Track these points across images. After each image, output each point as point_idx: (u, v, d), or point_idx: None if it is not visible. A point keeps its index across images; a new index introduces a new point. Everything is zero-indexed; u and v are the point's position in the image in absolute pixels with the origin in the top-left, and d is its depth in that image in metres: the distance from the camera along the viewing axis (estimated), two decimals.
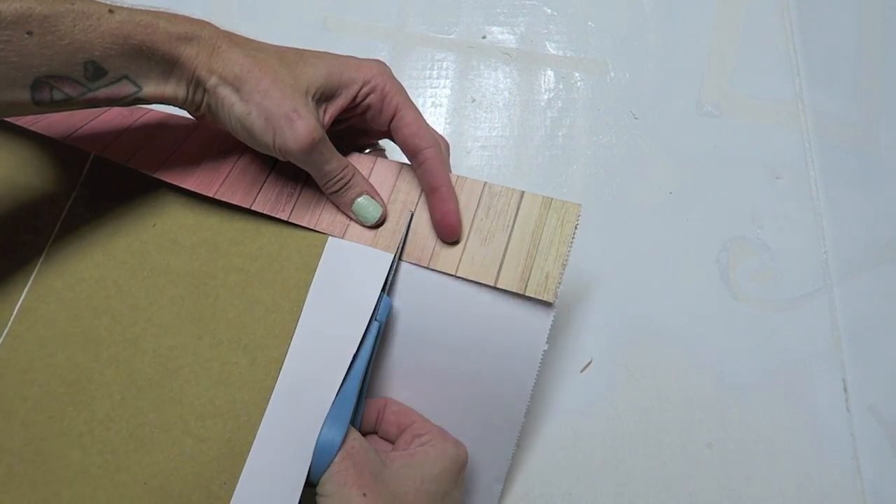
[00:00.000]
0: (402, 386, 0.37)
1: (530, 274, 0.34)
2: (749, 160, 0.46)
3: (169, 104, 0.31)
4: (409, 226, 0.35)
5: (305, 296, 0.34)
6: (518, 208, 0.35)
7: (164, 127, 0.38)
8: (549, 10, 0.48)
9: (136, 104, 0.31)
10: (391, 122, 0.34)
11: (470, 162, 0.45)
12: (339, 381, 0.32)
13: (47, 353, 0.35)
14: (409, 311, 0.36)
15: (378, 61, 0.34)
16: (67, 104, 0.29)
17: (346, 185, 0.33)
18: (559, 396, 0.41)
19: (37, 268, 0.36)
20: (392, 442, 0.35)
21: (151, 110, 0.39)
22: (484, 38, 0.47)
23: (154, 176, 0.36)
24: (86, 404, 0.34)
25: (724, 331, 0.43)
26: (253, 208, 0.35)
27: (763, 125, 0.46)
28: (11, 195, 0.38)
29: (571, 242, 0.34)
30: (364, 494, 0.29)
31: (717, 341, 0.43)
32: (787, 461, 0.41)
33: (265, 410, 0.33)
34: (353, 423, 0.33)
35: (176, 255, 0.36)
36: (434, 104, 0.46)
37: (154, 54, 0.29)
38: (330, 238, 0.35)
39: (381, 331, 0.33)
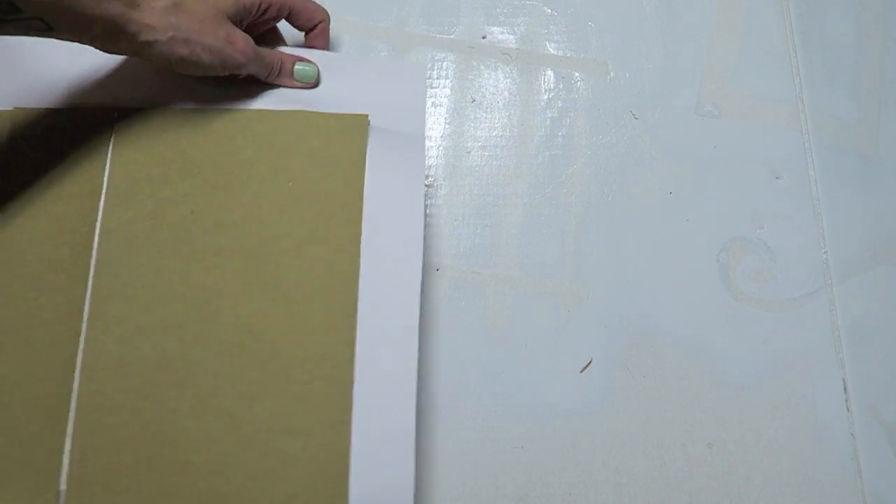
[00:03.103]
0: None
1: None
2: (749, 160, 0.46)
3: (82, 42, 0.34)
4: None
5: (360, 244, 0.38)
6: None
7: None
8: (549, 10, 0.48)
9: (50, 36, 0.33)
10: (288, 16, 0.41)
11: (470, 162, 0.45)
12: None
13: (132, 347, 0.36)
14: None
15: None
16: None
17: (282, 64, 0.40)
18: (559, 396, 0.42)
19: (90, 273, 0.37)
20: None
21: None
22: (484, 38, 0.47)
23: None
24: (187, 382, 0.36)
25: (724, 331, 0.43)
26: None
27: (763, 125, 0.46)
28: (35, 208, 0.39)
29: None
30: None
31: (717, 341, 0.43)
32: (787, 461, 0.41)
33: (356, 342, 0.36)
34: None
35: (223, 234, 0.38)
36: (434, 104, 0.46)
37: (75, 6, 0.31)
38: (366, 199, 0.39)
39: None
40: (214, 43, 0.35)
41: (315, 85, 0.40)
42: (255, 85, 0.40)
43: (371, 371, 0.36)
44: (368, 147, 0.39)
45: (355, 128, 0.40)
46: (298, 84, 0.40)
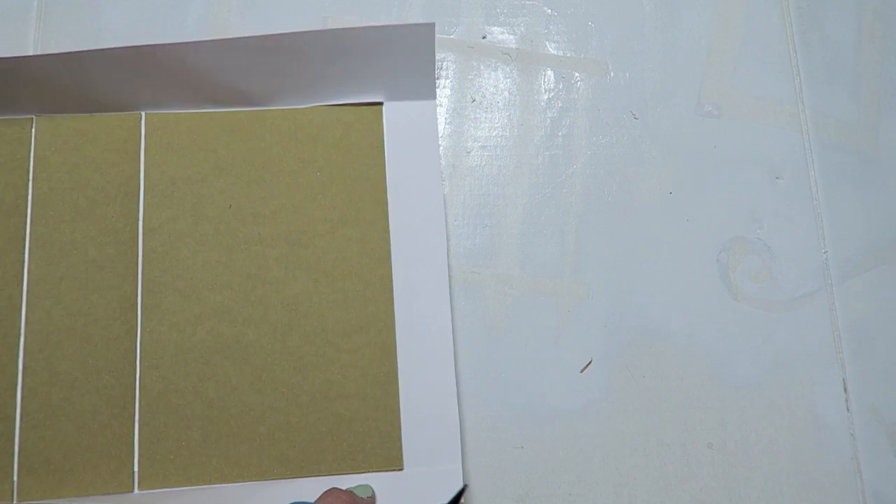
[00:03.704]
0: None
1: None
2: (749, 160, 0.46)
3: None
4: None
5: (388, 226, 0.42)
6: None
7: None
8: (549, 10, 0.48)
9: None
10: None
11: (470, 162, 0.45)
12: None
13: (188, 334, 0.39)
14: None
15: None
16: None
17: None
18: (559, 396, 0.42)
19: (139, 270, 0.40)
20: None
21: None
22: (484, 38, 0.47)
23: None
24: (244, 361, 0.39)
25: (724, 331, 0.43)
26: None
27: (763, 125, 0.46)
28: (74, 213, 0.41)
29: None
30: None
31: (717, 341, 0.43)
32: (787, 461, 0.41)
33: (394, 311, 0.40)
34: None
35: (262, 224, 0.41)
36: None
37: None
38: (388, 179, 0.42)
39: None
40: None
41: None
42: (273, 86, 0.42)
43: (410, 334, 0.40)
44: (385, 131, 0.43)
45: (371, 116, 0.43)
46: None
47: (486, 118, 0.46)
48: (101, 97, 0.41)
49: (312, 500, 0.33)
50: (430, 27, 0.41)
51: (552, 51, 0.48)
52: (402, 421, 0.39)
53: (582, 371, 0.42)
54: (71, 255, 0.40)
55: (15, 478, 0.37)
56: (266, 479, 0.38)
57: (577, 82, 0.47)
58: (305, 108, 0.43)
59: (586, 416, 0.41)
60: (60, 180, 0.41)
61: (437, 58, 0.47)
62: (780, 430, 0.41)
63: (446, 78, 0.47)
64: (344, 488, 0.36)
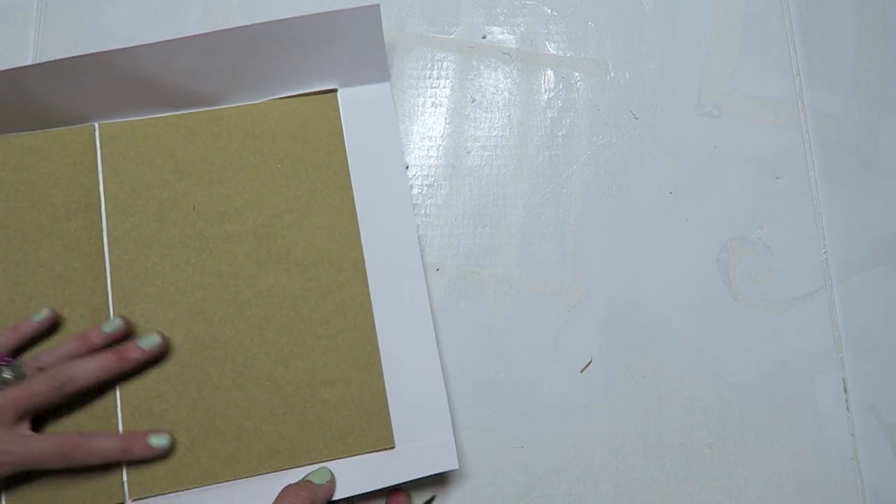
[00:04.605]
0: None
1: None
2: (749, 160, 0.46)
3: None
4: None
5: (355, 210, 0.42)
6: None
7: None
8: (549, 10, 0.48)
9: None
10: None
11: (470, 162, 0.45)
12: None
13: None
14: None
15: None
16: None
17: (128, 443, 0.37)
18: (559, 396, 0.42)
19: (108, 280, 0.40)
20: None
21: None
22: (484, 38, 0.47)
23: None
24: (225, 359, 0.39)
25: (724, 331, 0.43)
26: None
27: (763, 125, 0.46)
28: (36, 230, 0.41)
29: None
30: None
31: (717, 341, 0.43)
32: (787, 461, 0.41)
33: (369, 292, 0.40)
34: None
35: (228, 222, 0.41)
36: (434, 104, 0.46)
37: None
38: (350, 164, 0.42)
39: None
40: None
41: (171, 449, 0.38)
42: (226, 84, 0.42)
43: (389, 314, 0.40)
44: (342, 117, 0.43)
45: (327, 104, 0.43)
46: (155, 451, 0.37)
47: (486, 118, 0.46)
48: (51, 111, 0.41)
49: None
50: (375, 9, 0.40)
51: (552, 51, 0.47)
52: (388, 399, 0.39)
53: (582, 371, 0.42)
54: (37, 273, 0.40)
55: (3, 500, 0.37)
56: (258, 474, 0.38)
57: (577, 82, 0.47)
58: (260, 104, 0.43)
59: (586, 416, 0.41)
60: (19, 200, 0.40)
61: (437, 58, 0.47)
62: (780, 430, 0.42)
63: (446, 78, 0.47)
64: (300, 478, 0.36)
